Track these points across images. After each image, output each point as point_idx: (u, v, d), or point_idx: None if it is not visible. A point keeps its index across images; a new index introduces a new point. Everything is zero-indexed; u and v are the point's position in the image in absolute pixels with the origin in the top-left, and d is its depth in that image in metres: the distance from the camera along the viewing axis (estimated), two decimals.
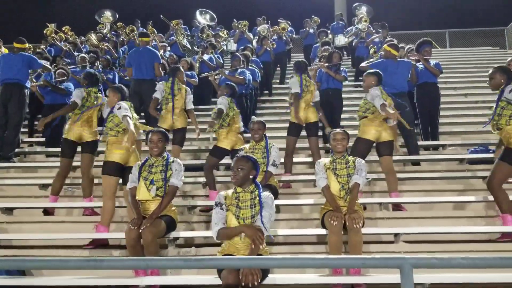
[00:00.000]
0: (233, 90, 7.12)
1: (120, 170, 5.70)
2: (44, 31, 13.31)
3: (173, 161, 5.28)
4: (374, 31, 13.28)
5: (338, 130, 5.38)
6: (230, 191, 4.47)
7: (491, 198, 6.28)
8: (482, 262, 2.48)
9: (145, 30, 12.86)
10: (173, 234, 5.45)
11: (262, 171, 5.94)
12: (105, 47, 12.51)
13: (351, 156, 5.34)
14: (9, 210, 6.63)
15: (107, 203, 5.64)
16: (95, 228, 5.67)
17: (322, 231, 5.28)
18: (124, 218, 6.21)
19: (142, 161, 5.29)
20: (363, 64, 8.61)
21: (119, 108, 5.77)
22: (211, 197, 6.52)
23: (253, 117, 7.42)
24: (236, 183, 4.37)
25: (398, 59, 8.02)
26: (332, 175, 5.15)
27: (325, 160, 5.34)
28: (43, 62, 9.60)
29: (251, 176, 4.37)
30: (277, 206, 6.38)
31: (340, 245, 4.86)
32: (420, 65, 8.47)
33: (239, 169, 4.33)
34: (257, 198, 4.30)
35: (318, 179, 5.22)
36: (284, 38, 13.84)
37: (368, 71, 6.60)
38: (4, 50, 12.52)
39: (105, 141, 5.85)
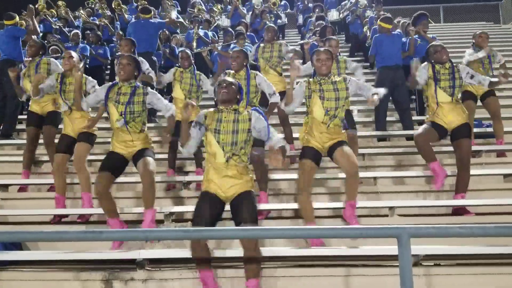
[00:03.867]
0: None
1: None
2: (36, 6, 13.03)
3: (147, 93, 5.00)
4: (367, 5, 13.16)
5: (322, 49, 4.90)
6: (212, 110, 4.20)
7: (485, 172, 6.40)
8: (479, 231, 2.49)
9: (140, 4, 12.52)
10: (170, 209, 5.50)
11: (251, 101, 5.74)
12: (103, 23, 12.29)
13: (337, 76, 4.92)
14: (4, 187, 6.63)
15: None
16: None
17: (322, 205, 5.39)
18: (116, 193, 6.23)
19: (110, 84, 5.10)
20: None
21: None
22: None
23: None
24: (226, 101, 4.07)
25: (392, 33, 8.03)
26: (318, 99, 4.72)
27: (308, 80, 4.85)
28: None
29: (238, 97, 4.16)
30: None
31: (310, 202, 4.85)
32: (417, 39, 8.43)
33: (230, 87, 4.10)
34: (243, 123, 4.05)
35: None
36: (274, 12, 13.65)
37: None
38: None
39: None
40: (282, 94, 7.11)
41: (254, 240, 3.92)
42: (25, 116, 9.18)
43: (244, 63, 5.83)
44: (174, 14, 7.12)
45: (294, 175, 6.61)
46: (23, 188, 6.68)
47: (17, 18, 8.82)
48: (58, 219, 5.87)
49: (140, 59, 7.39)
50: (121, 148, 4.95)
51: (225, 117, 4.07)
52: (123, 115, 4.88)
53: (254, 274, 4.01)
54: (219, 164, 4.04)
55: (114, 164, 4.92)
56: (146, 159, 4.88)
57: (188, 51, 6.90)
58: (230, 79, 4.21)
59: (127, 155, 4.97)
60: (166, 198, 6.21)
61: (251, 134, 4.10)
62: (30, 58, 6.81)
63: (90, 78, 5.88)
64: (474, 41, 7.36)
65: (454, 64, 5.64)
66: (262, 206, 5.49)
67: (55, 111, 6.44)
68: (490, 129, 7.40)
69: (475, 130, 7.45)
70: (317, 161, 4.83)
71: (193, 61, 6.89)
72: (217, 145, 4.02)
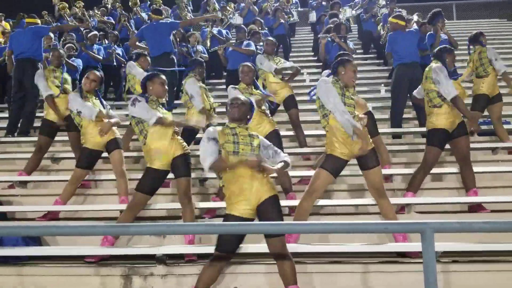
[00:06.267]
0: None
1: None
2: (57, 5, 13.13)
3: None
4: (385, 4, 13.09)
5: (354, 61, 4.95)
6: (220, 128, 4.17)
7: (498, 169, 6.39)
8: (503, 226, 2.52)
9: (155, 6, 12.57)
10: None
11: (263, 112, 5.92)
12: (124, 24, 12.37)
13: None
14: (23, 183, 6.71)
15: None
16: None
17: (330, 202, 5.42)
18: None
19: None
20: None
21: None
22: None
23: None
24: (236, 117, 4.10)
25: (406, 30, 8.02)
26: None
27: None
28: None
29: (248, 116, 4.21)
30: None
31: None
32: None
33: (242, 104, 4.14)
34: (256, 142, 4.11)
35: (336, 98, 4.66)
36: (287, 10, 13.62)
37: None
38: (5, 24, 12.44)
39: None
40: (288, 98, 7.21)
41: (280, 243, 3.95)
42: (42, 114, 9.39)
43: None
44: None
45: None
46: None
47: (38, 20, 9.04)
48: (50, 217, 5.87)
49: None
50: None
51: (242, 139, 4.07)
52: None
53: (292, 280, 3.98)
54: (247, 182, 4.00)
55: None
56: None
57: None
58: (242, 97, 4.26)
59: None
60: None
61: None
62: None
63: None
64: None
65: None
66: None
67: None
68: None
69: (492, 127, 7.47)
70: (337, 173, 4.84)
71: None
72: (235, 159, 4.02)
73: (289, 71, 7.79)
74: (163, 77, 5.15)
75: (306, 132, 7.43)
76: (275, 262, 4.08)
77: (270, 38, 8.03)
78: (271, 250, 4.00)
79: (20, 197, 6.50)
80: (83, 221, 5.90)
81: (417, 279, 2.86)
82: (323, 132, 6.73)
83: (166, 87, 5.17)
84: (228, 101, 4.27)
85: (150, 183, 4.98)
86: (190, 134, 6.29)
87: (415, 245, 4.49)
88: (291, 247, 4.59)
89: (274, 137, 5.65)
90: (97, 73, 5.99)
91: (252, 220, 4.07)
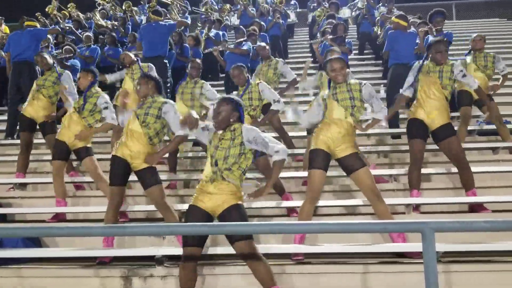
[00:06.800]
0: None
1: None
2: (46, 9, 13.11)
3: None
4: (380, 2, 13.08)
5: (334, 57, 4.96)
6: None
7: (498, 169, 6.37)
8: (504, 225, 2.49)
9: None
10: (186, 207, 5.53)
11: (248, 114, 5.81)
12: (115, 26, 12.37)
13: (353, 80, 4.93)
14: (22, 186, 6.71)
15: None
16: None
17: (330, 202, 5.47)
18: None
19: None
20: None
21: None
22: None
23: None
24: (218, 127, 4.04)
25: (408, 31, 8.02)
26: (334, 102, 4.76)
27: (320, 95, 4.95)
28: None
29: (232, 120, 4.04)
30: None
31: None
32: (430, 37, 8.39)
33: (220, 112, 4.03)
34: (237, 138, 3.97)
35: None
36: (283, 12, 13.63)
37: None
38: (4, 29, 12.43)
39: None
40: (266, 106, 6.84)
41: (248, 247, 3.81)
42: None
43: (247, 77, 6.05)
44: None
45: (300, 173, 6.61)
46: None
47: (37, 24, 9.05)
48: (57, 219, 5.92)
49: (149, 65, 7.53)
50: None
51: (225, 136, 4.03)
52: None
53: (270, 282, 3.86)
54: (207, 178, 3.98)
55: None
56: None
57: (199, 61, 7.02)
58: (223, 101, 4.08)
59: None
60: (182, 196, 6.26)
61: (244, 147, 3.98)
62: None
63: (103, 95, 5.90)
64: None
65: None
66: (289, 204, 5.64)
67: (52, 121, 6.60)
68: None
69: (492, 127, 7.45)
70: (326, 167, 4.81)
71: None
72: (208, 164, 4.00)
73: (287, 79, 7.80)
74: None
75: (299, 134, 7.48)
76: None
77: (260, 44, 8.09)
78: (239, 253, 3.87)
79: (20, 199, 6.50)
80: (82, 223, 5.89)
81: (419, 279, 2.83)
82: None
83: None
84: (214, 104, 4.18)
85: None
86: None
87: (416, 245, 4.47)
88: (292, 248, 4.61)
89: None
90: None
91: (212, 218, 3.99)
